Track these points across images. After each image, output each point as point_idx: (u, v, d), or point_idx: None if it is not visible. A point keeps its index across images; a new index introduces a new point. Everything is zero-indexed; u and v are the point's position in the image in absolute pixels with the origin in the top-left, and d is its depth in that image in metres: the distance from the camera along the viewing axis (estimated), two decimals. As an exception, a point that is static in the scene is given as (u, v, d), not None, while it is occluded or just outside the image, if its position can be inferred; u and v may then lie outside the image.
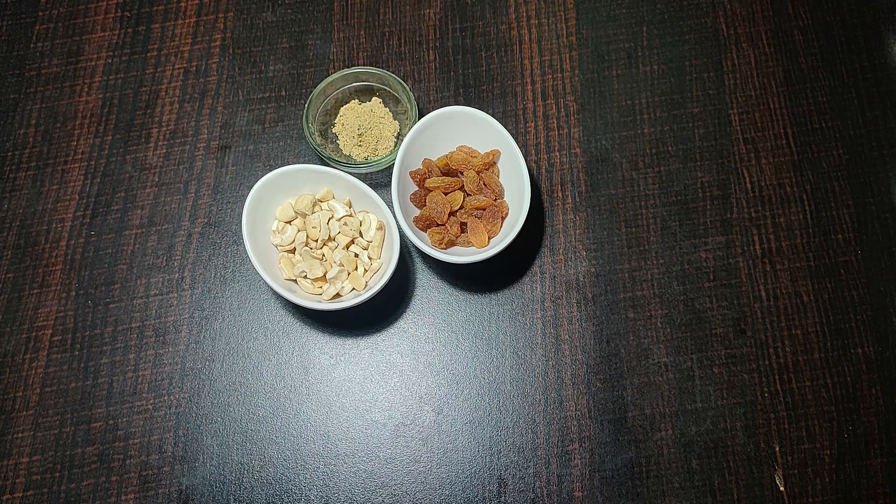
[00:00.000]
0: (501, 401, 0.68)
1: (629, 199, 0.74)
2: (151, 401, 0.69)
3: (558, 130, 0.76)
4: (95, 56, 0.80)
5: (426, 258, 0.73)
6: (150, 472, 0.67)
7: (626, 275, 0.71)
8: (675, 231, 0.72)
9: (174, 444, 0.68)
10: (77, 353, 0.71)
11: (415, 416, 0.68)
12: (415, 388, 0.69)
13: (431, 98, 0.78)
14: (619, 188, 0.74)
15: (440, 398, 0.69)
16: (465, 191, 0.71)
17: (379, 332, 0.71)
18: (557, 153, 0.75)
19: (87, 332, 0.71)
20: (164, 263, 0.73)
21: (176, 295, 0.72)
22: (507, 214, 0.70)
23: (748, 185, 0.73)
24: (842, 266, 0.71)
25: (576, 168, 0.75)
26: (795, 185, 0.73)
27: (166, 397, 0.69)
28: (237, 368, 0.70)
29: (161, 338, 0.71)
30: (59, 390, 0.70)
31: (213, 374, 0.70)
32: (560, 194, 0.74)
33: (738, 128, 0.75)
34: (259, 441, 0.68)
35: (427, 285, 0.72)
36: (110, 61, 0.80)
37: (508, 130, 0.70)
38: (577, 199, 0.74)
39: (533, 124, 0.76)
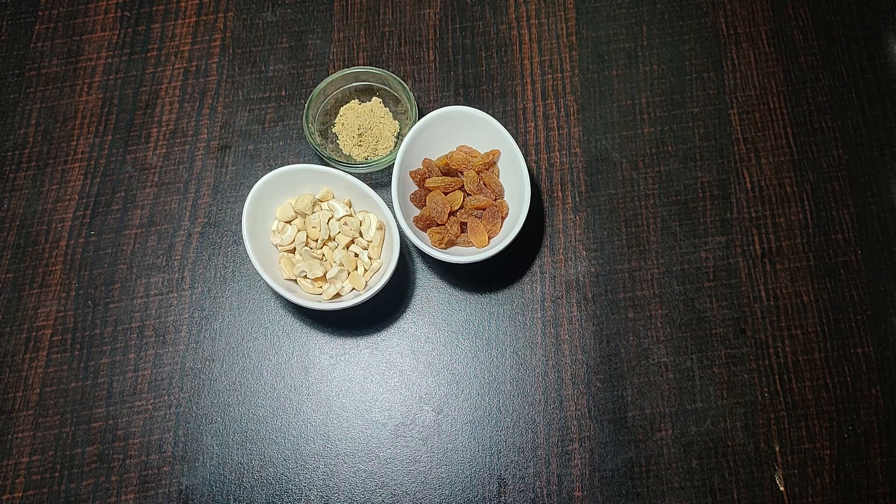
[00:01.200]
0: (501, 401, 0.68)
1: (629, 199, 0.74)
2: (151, 401, 0.69)
3: (558, 130, 0.76)
4: (95, 56, 0.80)
5: (426, 258, 0.73)
6: (150, 472, 0.67)
7: (626, 275, 0.71)
8: (675, 231, 0.72)
9: (174, 444, 0.68)
10: (77, 353, 0.71)
11: (415, 416, 0.68)
12: (415, 388, 0.69)
13: (431, 98, 0.78)
14: (619, 188, 0.74)
15: (440, 398, 0.69)
16: (465, 191, 0.71)
17: (379, 332, 0.71)
18: (557, 153, 0.75)
19: (87, 332, 0.71)
20: (164, 263, 0.73)
21: (176, 295, 0.72)
22: (507, 214, 0.70)
23: (748, 185, 0.73)
24: (842, 266, 0.71)
25: (576, 168, 0.75)
26: (795, 185, 0.73)
27: (166, 397, 0.69)
28: (237, 368, 0.70)
29: (161, 338, 0.71)
30: (59, 390, 0.70)
31: (213, 374, 0.70)
32: (560, 194, 0.74)
33: (738, 128, 0.75)
34: (259, 441, 0.68)
35: (427, 285, 0.72)
36: (110, 61, 0.80)
37: (508, 130, 0.70)
38: (577, 199, 0.74)
39: (533, 124, 0.76)
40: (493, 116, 0.71)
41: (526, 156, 0.74)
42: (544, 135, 0.76)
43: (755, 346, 0.69)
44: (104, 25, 0.82)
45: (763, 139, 0.75)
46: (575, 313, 0.70)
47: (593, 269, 0.72)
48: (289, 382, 0.70)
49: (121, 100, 0.79)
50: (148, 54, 0.80)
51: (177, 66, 0.80)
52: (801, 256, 0.71)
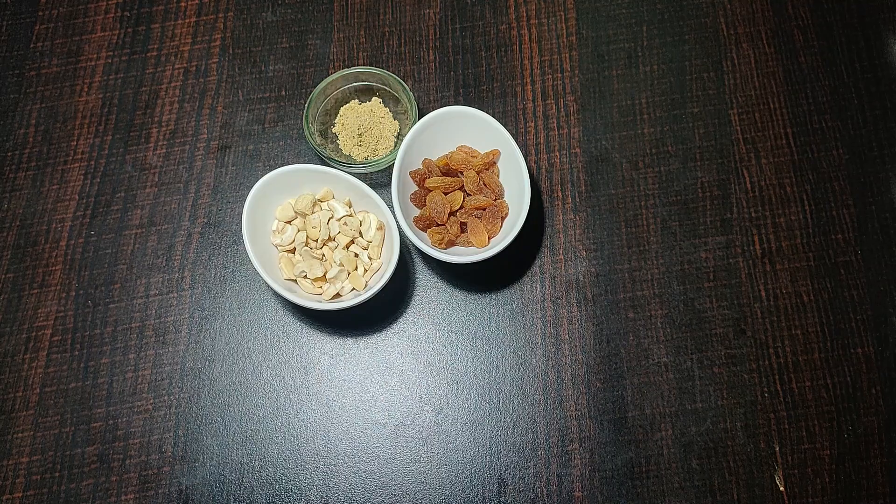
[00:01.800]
0: (501, 401, 0.68)
1: (629, 199, 0.74)
2: (151, 401, 0.69)
3: (558, 130, 0.76)
4: (95, 56, 0.80)
5: (426, 258, 0.73)
6: (150, 472, 0.67)
7: (626, 275, 0.71)
8: (675, 231, 0.72)
9: (174, 444, 0.68)
10: (77, 353, 0.71)
11: (415, 416, 0.68)
12: (415, 388, 0.69)
13: (431, 98, 0.78)
14: (619, 188, 0.74)
15: (440, 398, 0.69)
16: (465, 191, 0.71)
17: (379, 332, 0.71)
18: (557, 153, 0.75)
19: (87, 332, 0.71)
20: (164, 263, 0.73)
21: (176, 295, 0.72)
22: (507, 214, 0.70)
23: (748, 185, 0.73)
24: (842, 266, 0.71)
25: (576, 168, 0.75)
26: (795, 185, 0.73)
27: (166, 397, 0.69)
28: (237, 368, 0.70)
29: (161, 338, 0.71)
30: (59, 390, 0.70)
31: (213, 374, 0.70)
32: (560, 194, 0.74)
33: (738, 128, 0.75)
34: (259, 441, 0.68)
35: (427, 285, 0.72)
36: (110, 61, 0.80)
37: (508, 130, 0.70)
38: (577, 199, 0.74)
39: (533, 124, 0.76)
40: (493, 116, 0.71)
41: (526, 156, 0.74)
42: (544, 135, 0.76)
43: (755, 346, 0.69)
44: (104, 25, 0.82)
45: (763, 139, 0.75)
46: (575, 313, 0.70)
47: (593, 269, 0.72)
48: (289, 382, 0.70)
49: (121, 100, 0.79)
50: (148, 54, 0.80)
51: (177, 66, 0.80)
52: (801, 256, 0.71)
